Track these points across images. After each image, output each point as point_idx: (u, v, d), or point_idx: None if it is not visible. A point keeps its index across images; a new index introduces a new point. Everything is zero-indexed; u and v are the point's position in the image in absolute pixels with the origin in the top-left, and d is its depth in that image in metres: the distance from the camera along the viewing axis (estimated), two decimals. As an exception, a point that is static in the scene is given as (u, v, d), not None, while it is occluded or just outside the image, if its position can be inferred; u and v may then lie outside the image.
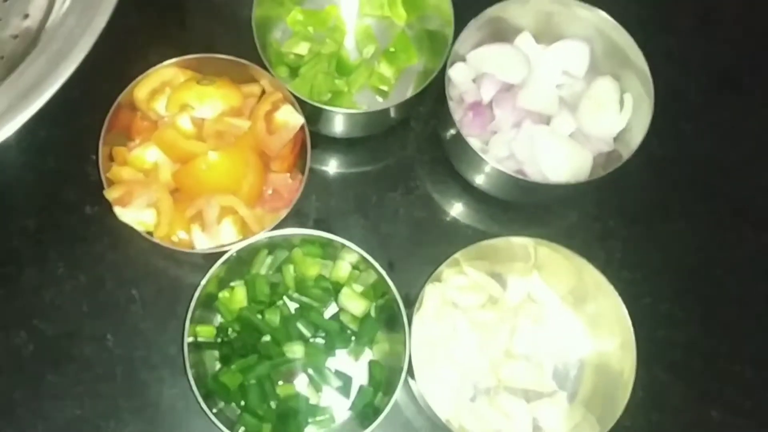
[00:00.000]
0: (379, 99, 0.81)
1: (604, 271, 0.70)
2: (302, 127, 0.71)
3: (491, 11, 0.75)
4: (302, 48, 0.81)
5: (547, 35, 0.80)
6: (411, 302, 0.69)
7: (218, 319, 0.72)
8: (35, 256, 0.76)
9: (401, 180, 0.80)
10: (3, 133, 0.63)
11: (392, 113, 0.75)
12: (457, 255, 0.69)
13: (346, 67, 0.80)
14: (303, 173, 0.72)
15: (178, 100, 0.70)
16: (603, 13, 0.75)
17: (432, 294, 0.71)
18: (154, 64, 0.79)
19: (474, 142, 0.73)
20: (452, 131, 0.74)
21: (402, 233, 0.78)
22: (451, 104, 0.73)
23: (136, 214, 0.67)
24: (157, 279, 0.76)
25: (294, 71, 0.80)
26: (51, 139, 0.79)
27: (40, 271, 0.75)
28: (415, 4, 0.81)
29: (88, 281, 0.75)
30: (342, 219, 0.78)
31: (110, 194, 0.68)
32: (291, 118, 0.70)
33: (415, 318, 0.68)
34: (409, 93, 0.81)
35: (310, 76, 0.79)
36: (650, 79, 0.73)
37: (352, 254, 0.70)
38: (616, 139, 0.77)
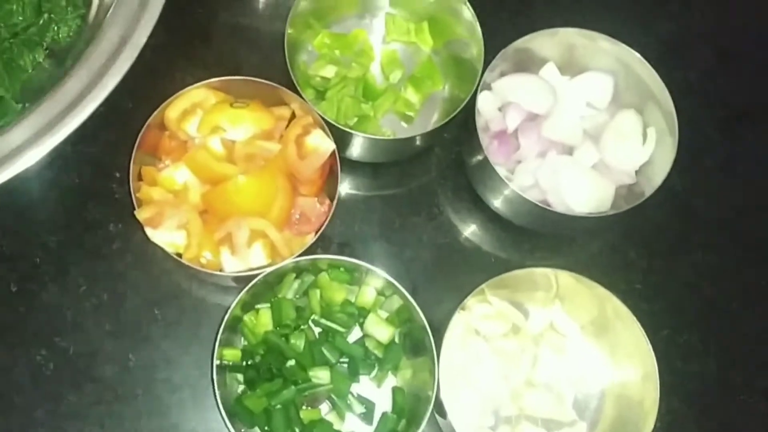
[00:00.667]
0: (404, 124, 0.82)
1: (624, 301, 0.71)
2: (332, 153, 0.71)
3: (520, 43, 0.76)
4: (329, 71, 0.81)
5: (570, 66, 0.81)
6: (434, 328, 0.69)
7: (241, 341, 0.72)
8: (57, 273, 0.75)
9: (425, 205, 0.80)
10: (50, 144, 0.62)
11: (418, 141, 0.76)
12: (483, 286, 0.70)
13: (373, 92, 0.81)
14: (330, 198, 0.73)
15: (211, 122, 0.70)
16: (628, 48, 0.77)
17: (457, 322, 0.71)
18: (180, 84, 0.80)
19: (500, 170, 0.74)
20: (479, 158, 0.75)
21: (425, 259, 0.78)
22: (480, 132, 0.73)
23: (166, 236, 0.67)
24: (179, 299, 0.75)
25: (320, 94, 0.81)
26: (76, 156, 0.78)
27: (62, 289, 0.75)
28: (442, 31, 0.82)
29: (110, 300, 0.75)
30: (366, 243, 0.78)
31: (141, 215, 0.67)
32: (322, 144, 0.70)
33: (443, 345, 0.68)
34: (434, 118, 0.82)
35: (336, 99, 0.79)
36: (675, 116, 0.74)
37: (377, 279, 0.71)
38: (638, 172, 0.78)
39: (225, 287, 0.75)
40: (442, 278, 0.78)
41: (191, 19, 0.84)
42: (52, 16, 0.76)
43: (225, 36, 0.84)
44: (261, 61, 0.83)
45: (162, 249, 0.68)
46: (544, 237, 0.80)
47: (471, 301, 0.73)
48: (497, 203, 0.78)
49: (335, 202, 0.70)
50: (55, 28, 0.76)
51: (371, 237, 0.79)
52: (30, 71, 0.74)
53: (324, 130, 0.71)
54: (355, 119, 0.80)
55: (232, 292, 0.75)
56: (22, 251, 0.75)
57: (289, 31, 0.74)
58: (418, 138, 0.74)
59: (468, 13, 0.77)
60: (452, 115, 0.73)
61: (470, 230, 0.80)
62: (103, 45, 0.66)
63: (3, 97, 0.72)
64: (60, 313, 0.74)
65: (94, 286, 0.75)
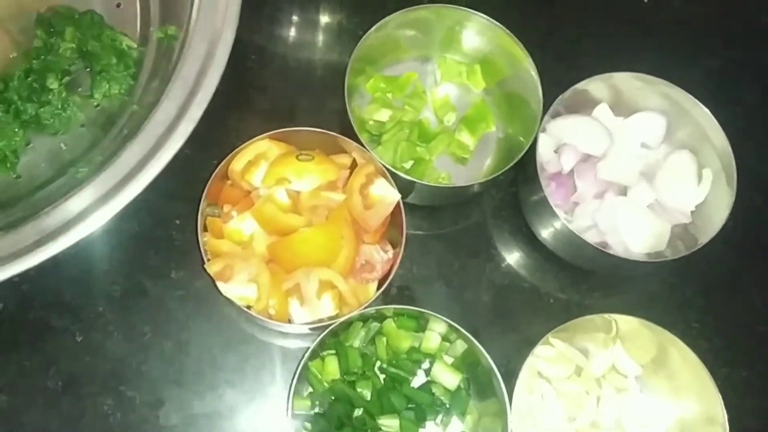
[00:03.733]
0: (459, 165, 0.82)
1: (683, 339, 0.71)
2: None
3: (578, 86, 0.76)
4: (383, 115, 0.82)
5: (621, 106, 0.81)
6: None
7: (307, 388, 0.73)
8: (121, 322, 0.76)
9: (482, 247, 0.81)
10: (109, 212, 0.64)
11: (477, 188, 0.76)
12: (549, 335, 0.70)
13: (428, 135, 0.81)
14: (392, 244, 0.74)
15: (277, 174, 0.70)
16: (682, 90, 0.77)
17: (525, 366, 0.72)
18: (236, 131, 0.81)
19: (559, 212, 0.75)
20: (537, 200, 0.75)
21: (484, 300, 0.79)
22: (541, 174, 0.74)
23: (238, 289, 0.67)
24: (243, 346, 0.76)
25: (374, 137, 0.81)
26: (134, 204, 0.78)
27: (126, 338, 0.75)
28: (494, 72, 0.82)
29: (174, 348, 0.75)
30: (425, 286, 0.79)
31: (212, 268, 0.68)
32: (387, 193, 0.71)
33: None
34: (488, 159, 0.83)
35: (392, 143, 0.80)
36: (732, 158, 0.75)
37: (440, 325, 0.71)
38: (693, 211, 0.78)
39: (286, 334, 0.76)
40: (502, 320, 0.78)
41: (244, 67, 0.85)
42: (104, 73, 0.77)
43: (278, 82, 0.85)
44: (314, 105, 0.84)
45: (226, 297, 0.69)
46: (601, 276, 0.81)
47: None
48: (556, 244, 0.78)
49: (401, 250, 0.70)
50: (107, 85, 0.78)
51: (430, 279, 0.79)
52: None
53: (387, 179, 0.72)
54: (411, 162, 0.81)
55: (294, 339, 0.76)
56: (86, 301, 0.76)
57: (349, 79, 0.75)
58: (476, 185, 0.75)
59: (521, 54, 0.78)
60: (515, 161, 0.73)
61: (528, 270, 0.81)
62: (159, 116, 0.67)
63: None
64: (125, 362, 0.75)
65: (158, 335, 0.76)
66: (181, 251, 0.78)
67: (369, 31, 0.76)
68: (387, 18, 0.77)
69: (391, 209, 0.71)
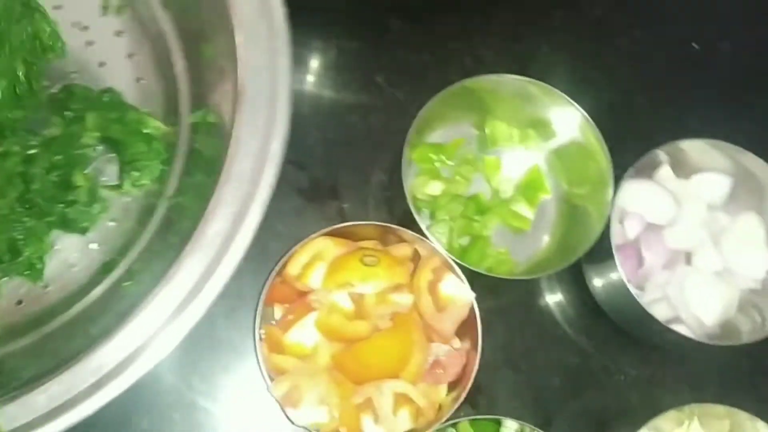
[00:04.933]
0: (518, 236, 0.77)
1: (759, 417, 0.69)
2: (468, 300, 0.67)
3: (649, 156, 0.72)
4: (434, 188, 0.76)
5: (683, 168, 0.77)
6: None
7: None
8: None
9: (549, 326, 0.77)
10: (169, 341, 0.56)
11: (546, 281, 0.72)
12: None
13: (483, 208, 0.76)
14: (462, 340, 0.69)
15: (340, 279, 0.65)
16: (750, 153, 0.74)
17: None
18: (274, 211, 0.73)
19: (631, 288, 0.70)
20: (607, 274, 0.72)
21: (555, 385, 0.75)
22: (616, 251, 0.70)
23: (310, 415, 0.62)
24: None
25: (424, 213, 0.76)
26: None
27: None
28: (548, 135, 0.77)
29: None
30: (491, 373, 0.74)
31: (277, 392, 0.62)
32: (460, 292, 0.66)
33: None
34: (548, 229, 0.78)
35: (448, 220, 0.75)
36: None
37: (515, 425, 0.68)
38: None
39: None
40: (575, 402, 0.75)
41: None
42: (134, 162, 0.70)
43: (317, 157, 0.78)
44: (357, 180, 0.78)
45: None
46: (672, 350, 0.77)
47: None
48: (623, 319, 0.75)
49: (478, 352, 0.65)
50: (137, 174, 0.70)
51: (496, 365, 0.74)
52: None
53: (456, 273, 0.67)
54: (468, 239, 0.76)
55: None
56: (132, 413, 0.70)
57: (407, 165, 0.69)
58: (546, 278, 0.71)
59: (582, 120, 0.73)
60: (593, 243, 0.69)
61: (596, 347, 0.77)
62: (214, 226, 0.59)
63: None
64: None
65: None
66: (231, 352, 0.72)
67: (427, 105, 0.70)
68: (445, 90, 0.70)
69: (466, 311, 0.66)
